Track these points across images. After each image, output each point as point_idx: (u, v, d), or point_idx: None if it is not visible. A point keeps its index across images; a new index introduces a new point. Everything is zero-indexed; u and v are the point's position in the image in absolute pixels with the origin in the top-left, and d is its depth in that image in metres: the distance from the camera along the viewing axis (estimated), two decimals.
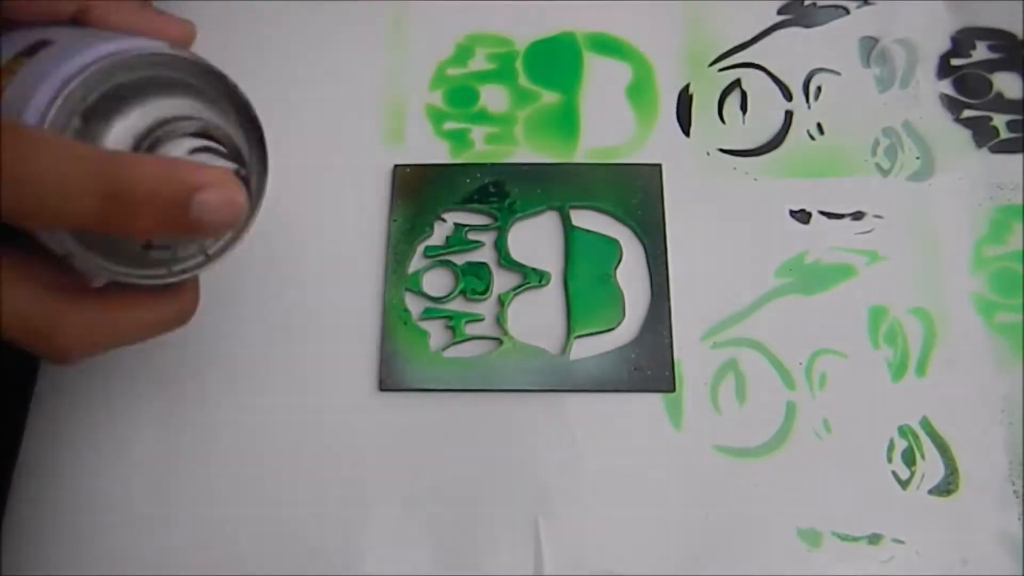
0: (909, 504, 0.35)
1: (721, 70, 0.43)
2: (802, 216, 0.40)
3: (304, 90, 0.43)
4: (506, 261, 0.39)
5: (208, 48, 0.43)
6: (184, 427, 0.37)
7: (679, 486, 0.36)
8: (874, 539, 0.35)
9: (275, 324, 0.39)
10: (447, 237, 0.40)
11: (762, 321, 0.39)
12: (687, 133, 0.42)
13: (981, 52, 0.43)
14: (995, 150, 0.41)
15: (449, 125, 0.42)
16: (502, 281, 0.39)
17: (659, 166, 0.41)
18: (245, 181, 0.27)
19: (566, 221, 0.40)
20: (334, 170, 0.41)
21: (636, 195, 0.40)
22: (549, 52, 0.44)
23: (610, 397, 0.37)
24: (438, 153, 0.42)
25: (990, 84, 0.42)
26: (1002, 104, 0.42)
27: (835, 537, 0.35)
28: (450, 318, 0.39)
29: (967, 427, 0.37)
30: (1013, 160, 0.41)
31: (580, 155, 0.42)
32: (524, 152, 0.42)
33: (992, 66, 0.42)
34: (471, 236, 0.40)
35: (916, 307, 0.38)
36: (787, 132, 0.42)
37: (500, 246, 0.40)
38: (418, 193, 0.41)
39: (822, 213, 0.40)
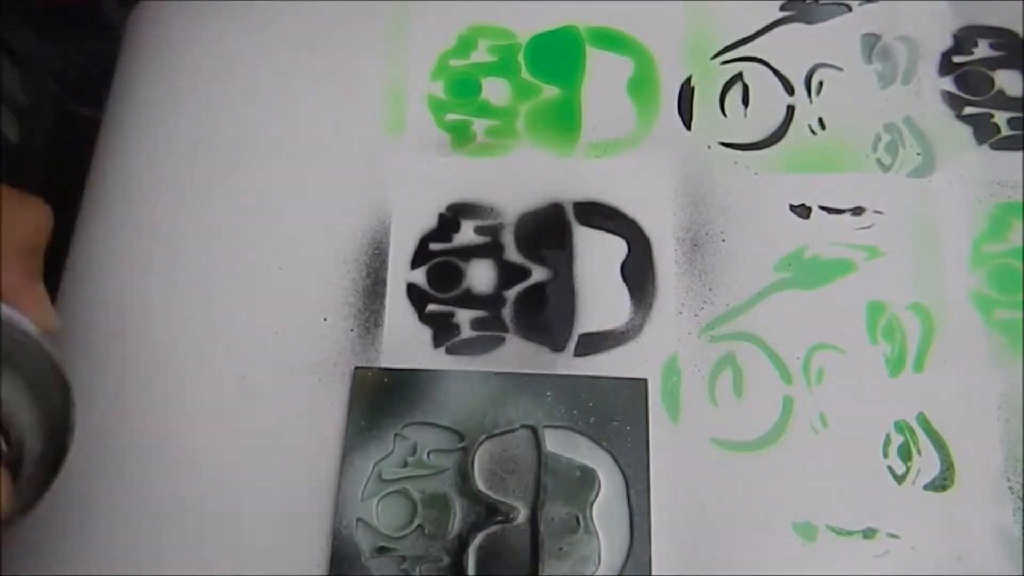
0: (904, 499, 0.36)
1: (723, 63, 0.43)
2: (802, 211, 0.40)
3: (305, 77, 0.43)
4: (470, 492, 0.36)
5: (212, 38, 0.44)
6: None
7: (676, 479, 0.36)
8: (869, 533, 0.35)
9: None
10: (406, 459, 0.36)
11: (761, 315, 0.39)
12: (688, 126, 0.42)
13: (983, 50, 0.43)
14: (996, 147, 0.41)
15: (451, 116, 0.42)
16: (465, 514, 0.35)
17: (644, 381, 0.37)
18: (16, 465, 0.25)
19: (539, 444, 0.36)
20: (335, 158, 0.41)
21: (617, 416, 0.36)
22: (551, 46, 0.44)
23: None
24: (439, 145, 0.42)
25: (991, 81, 0.42)
26: (1003, 101, 0.42)
27: (830, 531, 0.35)
28: (404, 559, 0.35)
29: (964, 423, 0.37)
30: (1013, 157, 0.40)
31: (581, 149, 0.42)
32: (525, 145, 0.42)
33: (993, 63, 0.42)
34: (434, 459, 0.36)
35: (915, 303, 0.39)
36: (788, 126, 0.42)
37: (466, 472, 0.36)
38: (378, 402, 0.37)
39: (822, 208, 0.40)
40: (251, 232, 0.40)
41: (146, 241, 0.40)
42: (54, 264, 0.40)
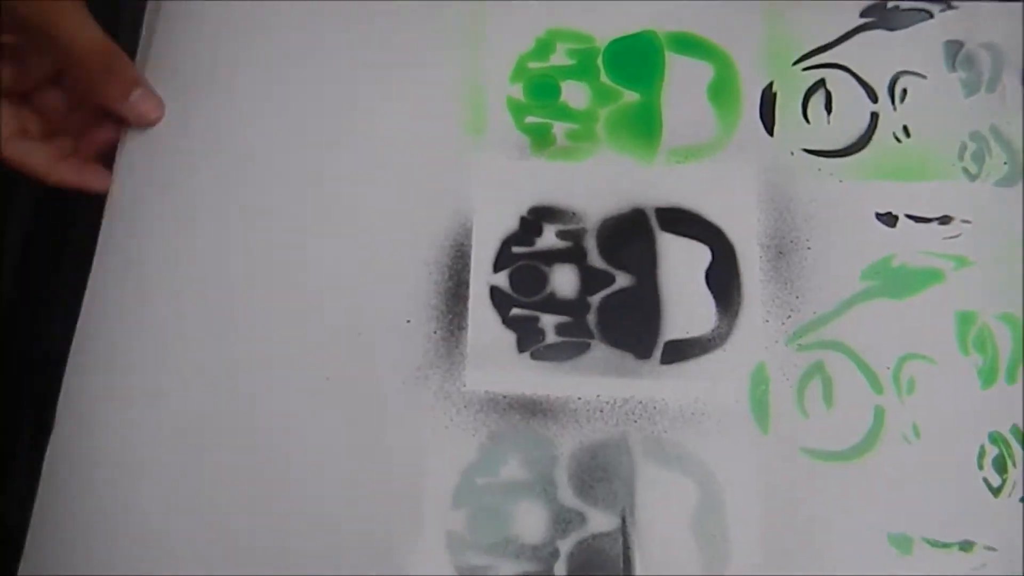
0: (1001, 511, 0.35)
1: (805, 69, 0.43)
2: (888, 219, 0.40)
3: (384, 77, 0.43)
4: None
5: (294, 46, 0.43)
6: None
7: (766, 489, 0.36)
8: (966, 546, 0.35)
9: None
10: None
11: (849, 324, 0.38)
12: (771, 132, 0.42)
13: None
14: None
15: (531, 119, 0.42)
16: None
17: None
18: None
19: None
20: (415, 159, 0.41)
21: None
22: (630, 50, 0.43)
23: (695, 400, 0.37)
24: (520, 147, 0.41)
25: None
26: None
27: (926, 543, 0.35)
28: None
29: None
30: None
31: (662, 155, 0.41)
32: (605, 150, 0.41)
33: None
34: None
35: (1004, 313, 0.38)
36: (872, 134, 0.41)
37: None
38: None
39: (909, 216, 0.40)
40: (333, 233, 0.40)
41: (233, 242, 0.40)
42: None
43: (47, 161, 0.40)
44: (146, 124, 0.41)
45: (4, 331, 0.43)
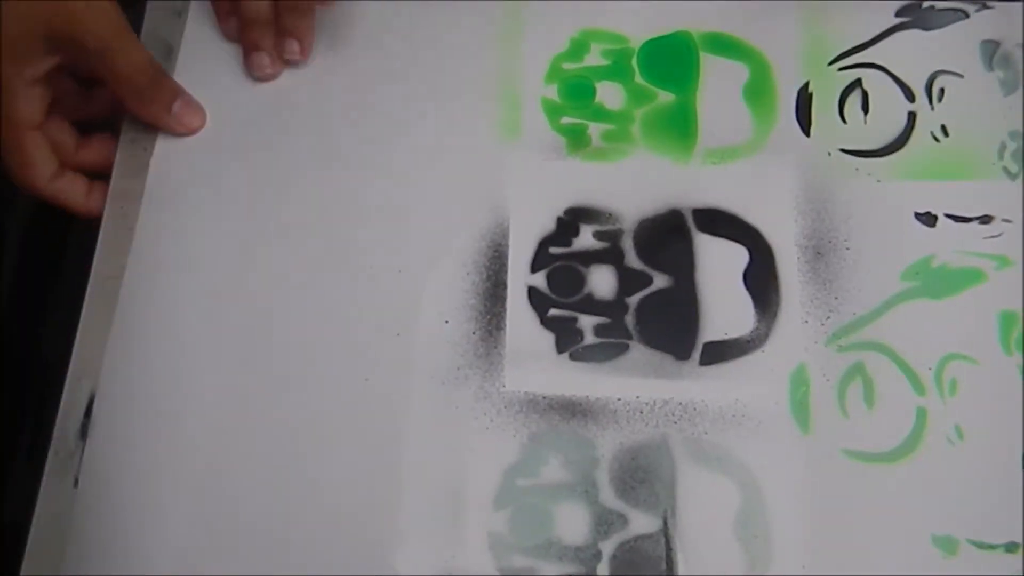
0: None
1: (841, 69, 0.42)
2: (928, 219, 0.40)
3: (419, 79, 0.43)
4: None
5: (329, 47, 0.43)
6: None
7: (808, 491, 0.35)
8: (1012, 547, 0.34)
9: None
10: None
11: (889, 325, 0.38)
12: (807, 133, 0.41)
13: None
14: None
15: (566, 120, 0.42)
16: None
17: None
18: None
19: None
20: (451, 161, 0.41)
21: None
22: (664, 51, 0.43)
23: (735, 401, 0.37)
24: (556, 148, 0.41)
25: None
26: None
27: (972, 545, 0.35)
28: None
29: None
30: None
31: (698, 156, 0.41)
32: (641, 151, 0.41)
33: None
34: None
35: None
36: (910, 134, 0.41)
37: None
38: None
39: (948, 216, 0.40)
40: (370, 234, 0.40)
41: (269, 245, 0.40)
42: None
43: (85, 192, 0.41)
44: (189, 133, 0.41)
45: (4, 332, 0.43)
